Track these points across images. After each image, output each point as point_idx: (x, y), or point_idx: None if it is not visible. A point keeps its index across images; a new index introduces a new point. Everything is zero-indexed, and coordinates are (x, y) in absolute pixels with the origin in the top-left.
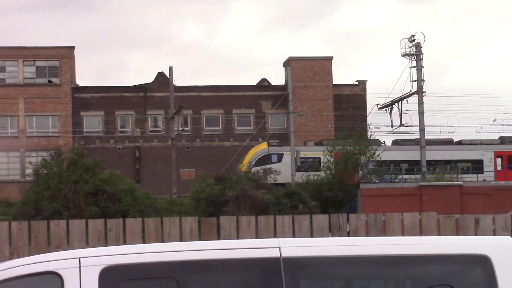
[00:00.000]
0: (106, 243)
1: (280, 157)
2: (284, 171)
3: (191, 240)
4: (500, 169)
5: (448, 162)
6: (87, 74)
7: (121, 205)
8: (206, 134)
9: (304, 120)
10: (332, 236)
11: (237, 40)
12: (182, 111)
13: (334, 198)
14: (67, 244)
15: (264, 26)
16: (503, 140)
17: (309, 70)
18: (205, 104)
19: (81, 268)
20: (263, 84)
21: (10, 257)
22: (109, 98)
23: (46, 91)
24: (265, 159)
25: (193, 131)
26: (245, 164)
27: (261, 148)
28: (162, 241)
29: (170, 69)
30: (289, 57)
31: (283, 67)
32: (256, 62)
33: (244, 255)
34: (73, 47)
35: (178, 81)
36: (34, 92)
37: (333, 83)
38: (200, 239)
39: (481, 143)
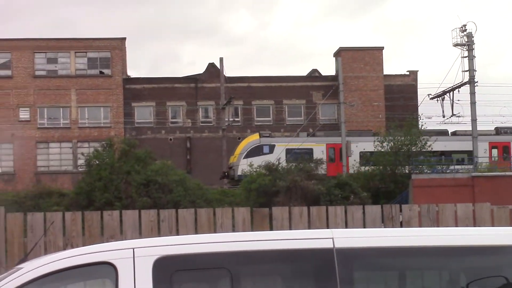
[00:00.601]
0: (159, 234)
1: (272, 148)
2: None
3: (243, 230)
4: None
5: (442, 153)
6: (139, 65)
7: (173, 196)
8: (257, 124)
9: (354, 111)
10: (384, 227)
11: (289, 31)
12: (232, 102)
13: (385, 188)
14: (120, 234)
15: (315, 16)
16: (498, 131)
17: (360, 60)
18: (256, 94)
19: (135, 258)
20: (314, 75)
21: (64, 248)
22: (160, 89)
23: (97, 82)
24: (256, 150)
25: (244, 121)
26: (237, 155)
27: (253, 139)
28: (215, 231)
29: (221, 60)
30: (340, 47)
31: (334, 58)
32: (307, 52)
33: (297, 246)
34: (124, 39)
35: (229, 71)
36: (86, 83)
37: (384, 73)
38: (252, 230)
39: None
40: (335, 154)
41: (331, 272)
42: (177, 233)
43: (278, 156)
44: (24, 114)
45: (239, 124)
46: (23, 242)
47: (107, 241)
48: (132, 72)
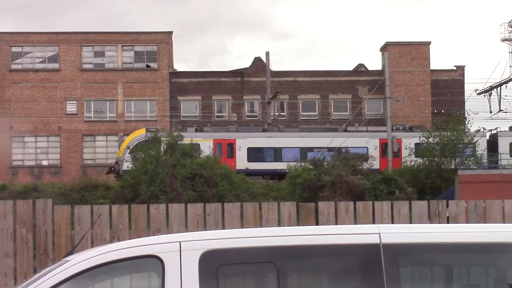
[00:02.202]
0: (204, 228)
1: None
2: None
3: (289, 225)
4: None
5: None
6: (188, 59)
7: (218, 190)
8: (303, 119)
9: (401, 106)
10: (431, 222)
11: (338, 25)
12: (278, 96)
13: (431, 184)
14: (166, 228)
15: (364, 10)
16: None
17: (407, 55)
18: (302, 89)
19: (182, 252)
20: (360, 70)
21: (111, 240)
22: (206, 83)
23: (144, 76)
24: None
25: (290, 116)
26: (122, 150)
27: (139, 134)
28: (260, 226)
29: (267, 54)
30: (386, 42)
31: (380, 52)
32: (354, 46)
33: (344, 241)
34: (171, 32)
35: (277, 65)
36: (132, 76)
37: (431, 68)
38: (298, 224)
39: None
40: (223, 150)
41: (377, 267)
42: (223, 227)
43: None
44: (71, 107)
45: (284, 118)
46: (70, 234)
47: (154, 235)
48: (181, 66)
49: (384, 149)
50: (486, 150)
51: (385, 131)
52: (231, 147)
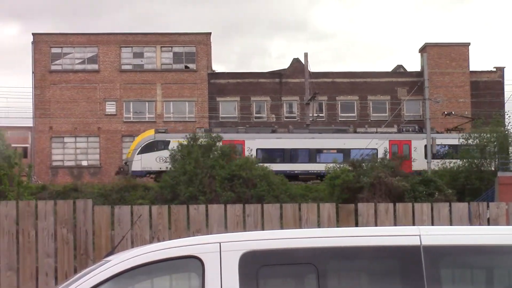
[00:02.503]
0: (244, 228)
1: (166, 144)
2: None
3: (328, 226)
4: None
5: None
6: (227, 59)
7: (257, 191)
8: (341, 120)
9: (440, 107)
10: (471, 224)
11: (377, 25)
12: (317, 97)
13: (470, 186)
14: (206, 228)
15: (401, 11)
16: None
17: (446, 56)
18: (340, 90)
19: (222, 253)
20: (399, 71)
21: (151, 241)
22: (245, 84)
23: (183, 77)
24: (151, 146)
25: (328, 117)
26: (131, 151)
27: (148, 135)
28: (300, 227)
29: (305, 55)
30: (425, 43)
31: (419, 53)
32: (392, 48)
33: (384, 243)
34: (209, 33)
35: (314, 66)
36: (171, 77)
37: (470, 69)
38: (337, 226)
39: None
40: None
41: (417, 269)
42: (262, 228)
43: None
44: (110, 108)
45: (323, 119)
46: (110, 235)
47: (193, 235)
48: (220, 67)
49: (393, 151)
50: None
51: (395, 133)
52: (240, 149)
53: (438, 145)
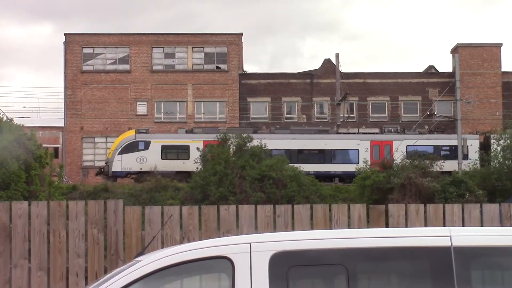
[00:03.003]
0: (274, 229)
1: (147, 144)
2: (150, 159)
3: (359, 227)
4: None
5: None
6: (259, 60)
7: (287, 191)
8: (372, 121)
9: (471, 108)
10: (502, 225)
11: (410, 26)
12: (348, 98)
13: (501, 187)
14: (236, 229)
15: (433, 12)
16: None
17: (478, 57)
18: (371, 91)
19: (252, 253)
20: (430, 71)
21: (181, 241)
22: (276, 85)
23: (214, 77)
24: (131, 147)
25: (359, 118)
26: (112, 151)
27: (129, 135)
28: (330, 227)
29: (337, 55)
30: (457, 43)
31: (451, 54)
32: (424, 48)
33: (414, 244)
34: (241, 34)
35: (345, 67)
36: (202, 78)
37: (502, 70)
38: (368, 227)
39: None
40: None
41: (448, 270)
42: (293, 229)
43: (153, 152)
44: (141, 108)
45: (354, 120)
46: (140, 235)
47: (224, 236)
48: (252, 67)
49: (375, 151)
50: None
51: (377, 133)
52: None
53: (414, 145)
